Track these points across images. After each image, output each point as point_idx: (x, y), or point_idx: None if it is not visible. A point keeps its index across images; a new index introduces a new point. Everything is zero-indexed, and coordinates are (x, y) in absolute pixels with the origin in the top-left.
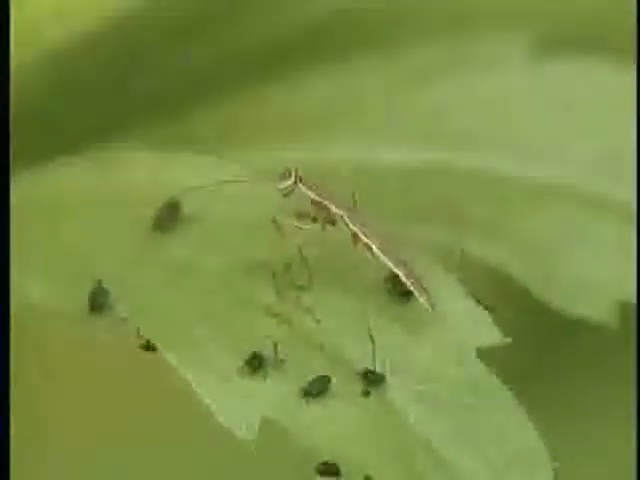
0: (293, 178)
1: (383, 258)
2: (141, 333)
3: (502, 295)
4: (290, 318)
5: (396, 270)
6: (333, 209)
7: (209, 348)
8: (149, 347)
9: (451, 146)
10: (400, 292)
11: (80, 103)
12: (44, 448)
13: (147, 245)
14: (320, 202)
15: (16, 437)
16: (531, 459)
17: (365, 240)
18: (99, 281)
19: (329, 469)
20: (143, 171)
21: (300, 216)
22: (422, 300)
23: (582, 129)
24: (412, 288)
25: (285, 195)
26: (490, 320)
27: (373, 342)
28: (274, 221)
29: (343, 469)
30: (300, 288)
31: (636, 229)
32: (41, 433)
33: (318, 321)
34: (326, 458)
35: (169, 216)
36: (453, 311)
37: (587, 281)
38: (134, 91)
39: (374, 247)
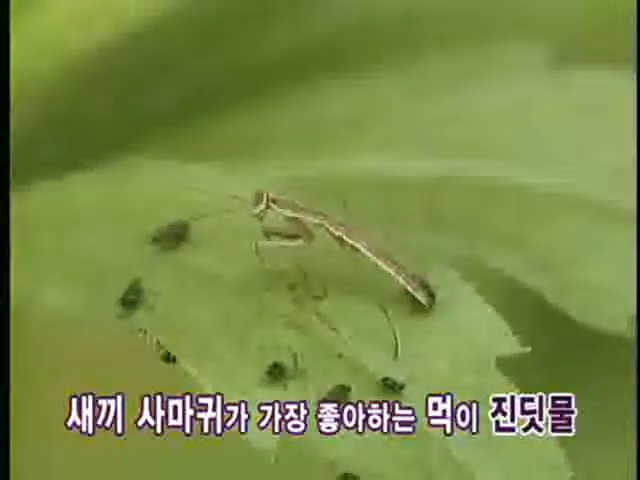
0: (265, 202)
1: (372, 257)
2: (161, 344)
3: (519, 304)
4: (309, 328)
5: (387, 268)
6: (312, 220)
7: (229, 359)
8: (169, 358)
9: (468, 155)
10: (418, 301)
11: (88, 118)
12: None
13: (165, 256)
14: (296, 218)
15: (16, 437)
16: (549, 468)
17: (351, 242)
18: (137, 280)
19: None
20: (159, 183)
21: (278, 235)
22: (419, 296)
23: (599, 138)
24: (405, 284)
25: (260, 219)
26: (508, 330)
27: (396, 344)
28: (256, 246)
29: None
30: (317, 298)
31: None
32: (41, 433)
33: (337, 330)
34: (347, 470)
35: (184, 227)
36: (471, 321)
37: (603, 291)
38: (145, 104)
39: (361, 247)
